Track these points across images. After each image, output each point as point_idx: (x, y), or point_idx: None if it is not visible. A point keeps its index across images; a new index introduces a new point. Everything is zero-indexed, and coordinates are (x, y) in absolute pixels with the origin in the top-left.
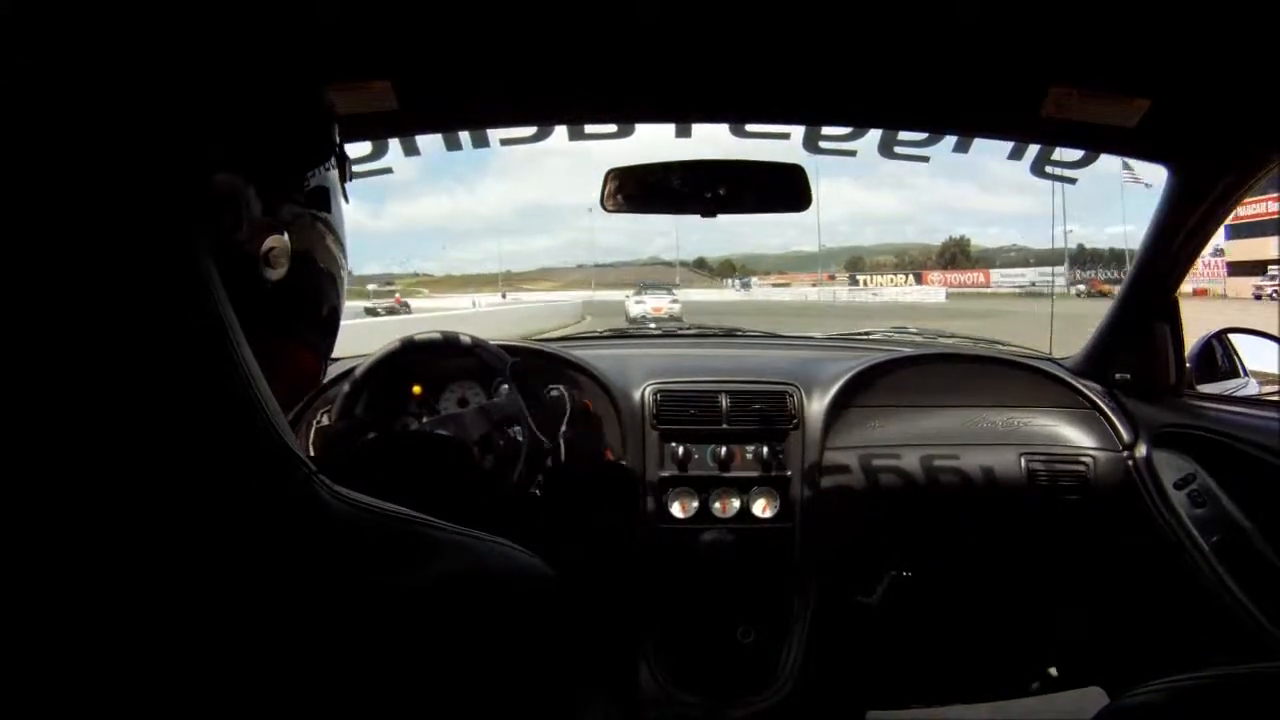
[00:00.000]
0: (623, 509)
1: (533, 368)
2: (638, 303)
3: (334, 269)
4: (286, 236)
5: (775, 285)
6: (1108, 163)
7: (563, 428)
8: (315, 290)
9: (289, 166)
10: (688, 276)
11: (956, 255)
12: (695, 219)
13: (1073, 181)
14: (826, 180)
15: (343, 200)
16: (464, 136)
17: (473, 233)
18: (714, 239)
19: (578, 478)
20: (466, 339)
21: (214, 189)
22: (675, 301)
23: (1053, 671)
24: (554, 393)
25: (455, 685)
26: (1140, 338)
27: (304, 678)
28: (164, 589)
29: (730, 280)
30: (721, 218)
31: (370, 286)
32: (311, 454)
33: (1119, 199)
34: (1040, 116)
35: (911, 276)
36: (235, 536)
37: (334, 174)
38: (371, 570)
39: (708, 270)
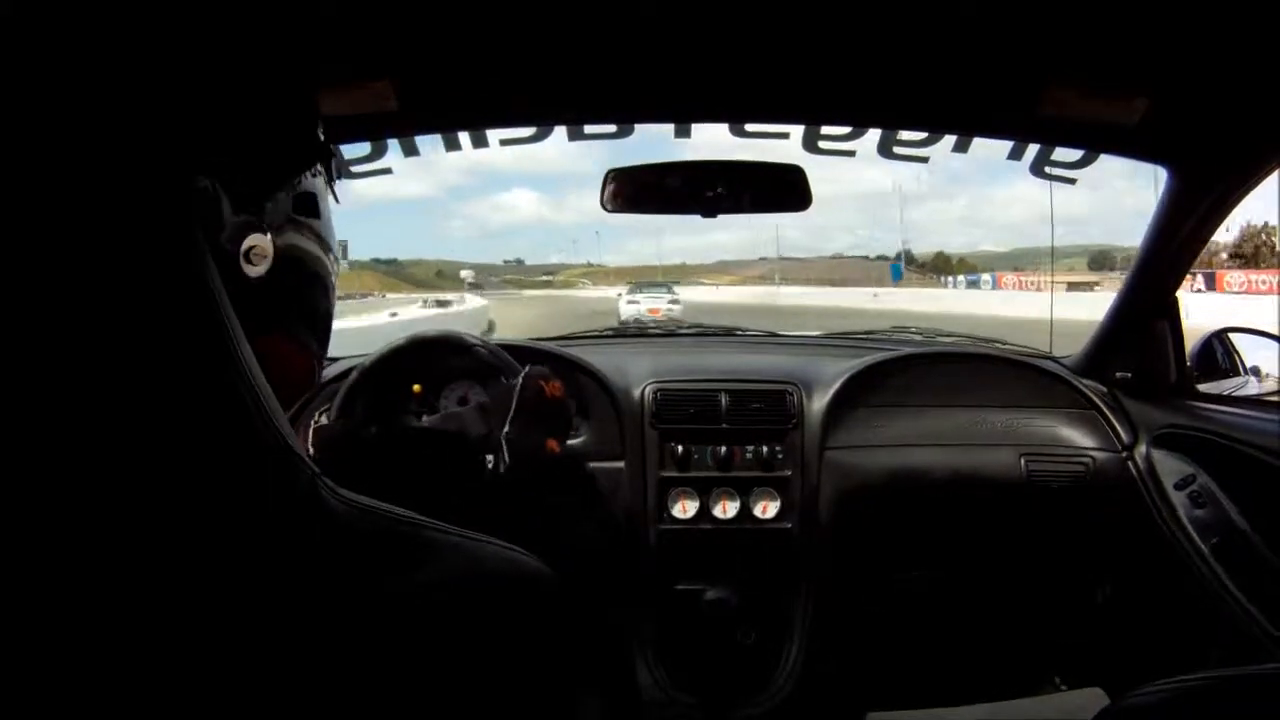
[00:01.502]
0: (622, 508)
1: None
2: (630, 303)
3: (321, 271)
4: (269, 237)
5: (1071, 286)
6: None
7: (505, 425)
8: (301, 292)
9: (272, 172)
10: (886, 273)
11: (1260, 249)
12: (885, 218)
13: (1072, 182)
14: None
15: (332, 200)
16: (464, 136)
17: (654, 224)
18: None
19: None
20: (467, 338)
21: (201, 190)
22: (675, 302)
23: (1057, 680)
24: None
25: (455, 687)
26: (1141, 337)
27: (304, 680)
28: (164, 591)
29: (951, 279)
30: (909, 216)
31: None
32: (311, 454)
33: None
34: (1039, 116)
35: (1201, 278)
36: (237, 538)
37: (319, 180)
38: (373, 572)
39: (916, 266)
